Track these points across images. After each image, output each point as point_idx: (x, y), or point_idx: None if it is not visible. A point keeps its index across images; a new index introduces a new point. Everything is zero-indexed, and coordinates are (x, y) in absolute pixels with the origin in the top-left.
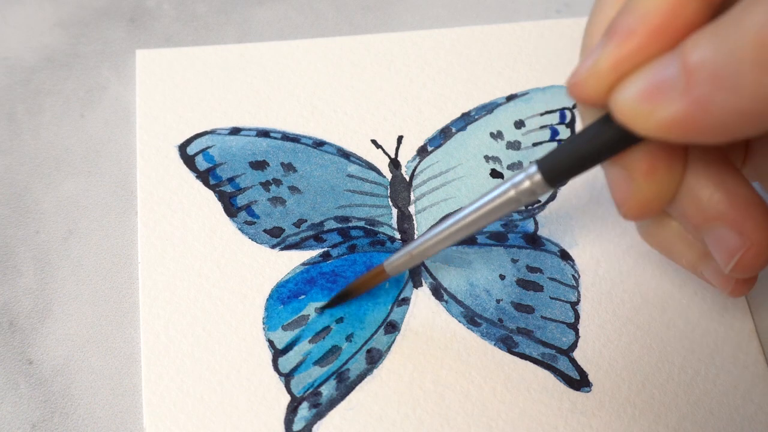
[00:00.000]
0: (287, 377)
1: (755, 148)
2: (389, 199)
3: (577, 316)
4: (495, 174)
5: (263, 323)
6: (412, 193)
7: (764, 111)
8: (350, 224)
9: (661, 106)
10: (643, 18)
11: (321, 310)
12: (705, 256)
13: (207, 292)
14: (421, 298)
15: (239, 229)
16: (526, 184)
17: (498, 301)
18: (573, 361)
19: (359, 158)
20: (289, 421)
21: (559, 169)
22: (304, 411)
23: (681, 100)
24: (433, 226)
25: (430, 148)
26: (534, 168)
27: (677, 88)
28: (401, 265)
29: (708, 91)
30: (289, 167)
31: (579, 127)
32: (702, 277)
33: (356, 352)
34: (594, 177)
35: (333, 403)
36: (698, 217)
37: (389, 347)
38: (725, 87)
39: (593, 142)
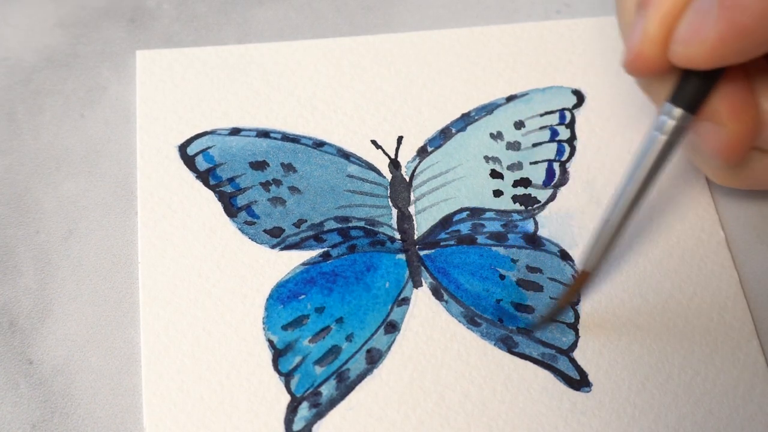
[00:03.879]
0: (287, 377)
1: None
2: (389, 200)
3: (577, 316)
4: (495, 174)
5: (263, 323)
6: (412, 193)
7: None
8: (350, 224)
9: (706, 33)
10: None
11: (536, 328)
12: None
13: (207, 292)
14: (421, 298)
15: (239, 229)
16: (671, 123)
17: (498, 301)
18: (573, 361)
19: (359, 159)
20: (289, 421)
21: (690, 94)
22: (304, 411)
23: (719, 20)
24: (611, 207)
25: (430, 149)
26: (669, 106)
27: (713, 13)
28: (598, 258)
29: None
30: (289, 167)
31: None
32: None
33: (356, 352)
34: (594, 177)
35: (333, 403)
36: None
37: (389, 347)
38: None
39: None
